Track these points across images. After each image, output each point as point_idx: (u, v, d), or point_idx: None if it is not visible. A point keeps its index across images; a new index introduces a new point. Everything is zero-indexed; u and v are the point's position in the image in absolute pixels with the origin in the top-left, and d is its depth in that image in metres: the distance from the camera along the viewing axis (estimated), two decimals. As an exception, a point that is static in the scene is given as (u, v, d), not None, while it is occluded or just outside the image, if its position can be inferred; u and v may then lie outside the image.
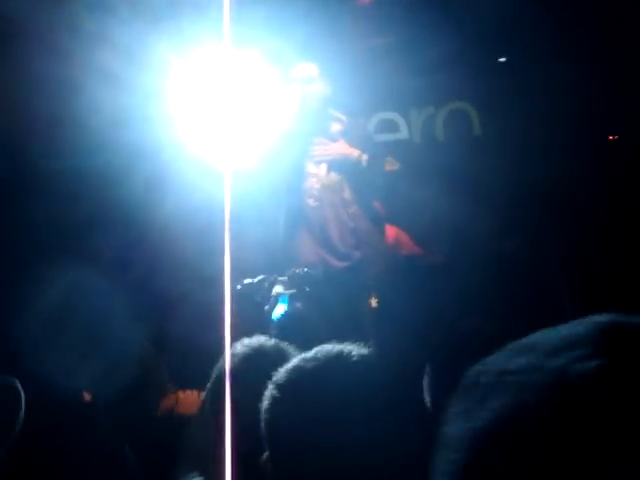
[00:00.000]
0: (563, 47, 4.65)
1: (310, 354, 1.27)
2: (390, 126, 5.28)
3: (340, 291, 3.63)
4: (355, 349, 1.28)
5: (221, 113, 3.46)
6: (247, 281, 3.17)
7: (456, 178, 4.50)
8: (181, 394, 3.16)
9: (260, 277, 3.07)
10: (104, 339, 2.81)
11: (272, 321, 2.99)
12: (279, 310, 3.08)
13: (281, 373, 1.27)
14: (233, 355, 1.81)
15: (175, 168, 3.80)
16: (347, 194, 4.06)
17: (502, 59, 5.30)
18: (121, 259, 4.20)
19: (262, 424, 1.24)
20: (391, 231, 4.65)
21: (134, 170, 3.87)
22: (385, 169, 4.19)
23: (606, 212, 4.18)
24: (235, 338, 2.03)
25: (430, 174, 4.52)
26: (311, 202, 4.01)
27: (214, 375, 1.98)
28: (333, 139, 4.11)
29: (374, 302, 3.90)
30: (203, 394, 2.40)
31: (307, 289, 3.35)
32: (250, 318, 2.86)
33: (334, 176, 4.04)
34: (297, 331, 2.75)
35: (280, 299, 3.09)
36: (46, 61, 3.90)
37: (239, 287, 3.08)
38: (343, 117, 4.15)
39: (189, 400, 3.02)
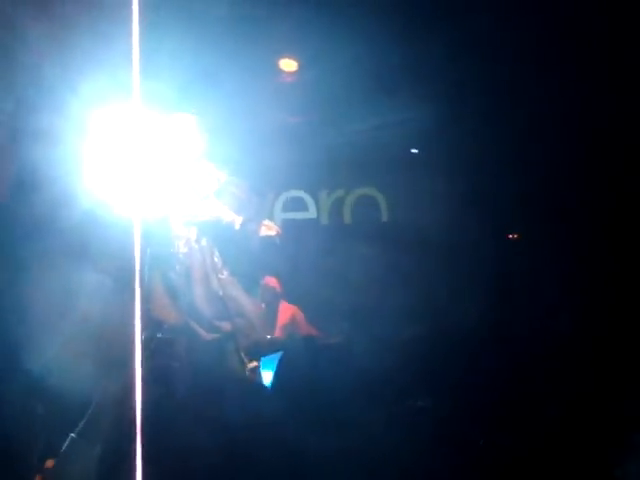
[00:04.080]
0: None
1: None
2: (298, 205, 5.22)
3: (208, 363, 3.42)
4: None
5: (127, 165, 3.34)
6: None
7: (362, 261, 4.44)
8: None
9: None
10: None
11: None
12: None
13: None
14: None
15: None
16: (217, 259, 3.73)
17: (414, 150, 5.36)
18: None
19: None
20: (288, 310, 4.48)
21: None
22: (262, 233, 3.80)
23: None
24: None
25: (336, 256, 4.44)
26: (177, 268, 3.65)
27: None
28: (205, 197, 3.75)
29: (251, 364, 3.62)
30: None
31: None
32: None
33: (204, 240, 3.70)
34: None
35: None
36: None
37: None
38: (221, 174, 3.80)
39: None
